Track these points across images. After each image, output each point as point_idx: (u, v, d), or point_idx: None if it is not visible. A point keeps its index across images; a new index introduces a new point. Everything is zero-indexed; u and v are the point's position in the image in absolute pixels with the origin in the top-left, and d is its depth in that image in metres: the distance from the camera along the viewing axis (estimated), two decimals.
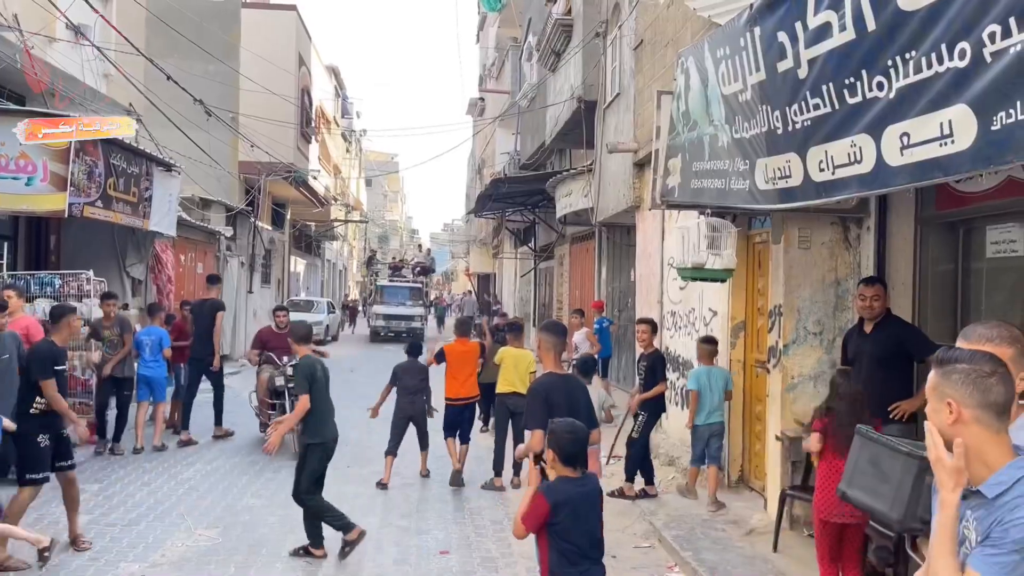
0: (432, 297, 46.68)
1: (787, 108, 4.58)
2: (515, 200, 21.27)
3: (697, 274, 6.55)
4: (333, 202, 34.08)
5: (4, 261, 10.56)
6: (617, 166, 11.80)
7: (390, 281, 33.48)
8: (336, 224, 38.10)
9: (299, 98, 25.59)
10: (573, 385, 4.94)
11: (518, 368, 8.37)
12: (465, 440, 8.84)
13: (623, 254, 13.99)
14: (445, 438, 8.83)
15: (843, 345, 6.08)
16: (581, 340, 12.22)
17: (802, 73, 4.40)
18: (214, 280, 13.00)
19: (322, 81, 31.74)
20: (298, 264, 34.10)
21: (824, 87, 4.21)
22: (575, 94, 14.18)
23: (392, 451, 8.63)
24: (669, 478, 8.45)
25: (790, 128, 4.60)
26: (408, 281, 33.43)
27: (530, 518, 3.81)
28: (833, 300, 6.64)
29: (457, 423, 8.82)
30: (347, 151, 41.89)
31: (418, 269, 37.76)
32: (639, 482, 7.89)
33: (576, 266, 18.75)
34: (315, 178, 28.06)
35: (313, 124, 28.37)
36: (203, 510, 7.48)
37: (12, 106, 10.97)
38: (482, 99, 35.21)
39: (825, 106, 4.24)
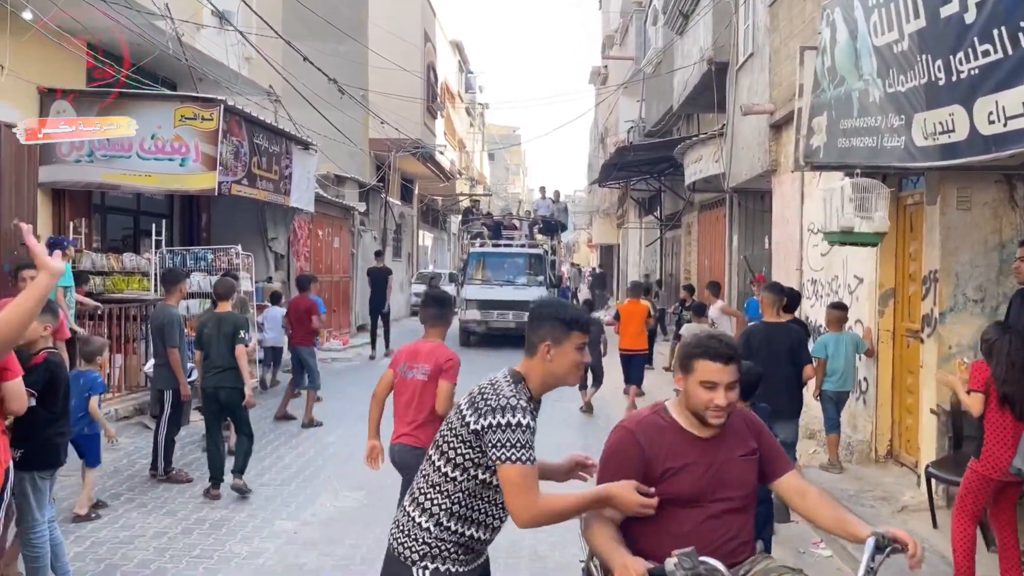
0: (565, 270, 31.49)
1: (951, 57, 4.27)
2: (640, 168, 20.92)
3: (846, 238, 6.22)
4: (458, 176, 34.63)
5: (162, 238, 11.28)
6: (751, 129, 11.36)
7: (493, 245, 20.44)
8: (461, 198, 38.63)
9: (425, 74, 26.01)
10: (778, 332, 6.30)
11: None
12: (634, 381, 10.82)
13: (756, 220, 13.51)
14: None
15: (1007, 310, 5.64)
16: (717, 315, 11.54)
17: (969, 17, 4.08)
18: (380, 254, 19.09)
19: (446, 56, 32.15)
20: (426, 238, 34.93)
21: (995, 31, 3.89)
22: (705, 56, 13.71)
23: (583, 385, 10.70)
24: (810, 451, 8.16)
25: (954, 78, 4.28)
26: (522, 244, 20.65)
27: None
28: (996, 264, 6.18)
29: (627, 369, 10.89)
30: (471, 125, 42.37)
31: (539, 226, 22.38)
32: None
33: (705, 234, 18.27)
34: (441, 153, 28.53)
35: (438, 99, 28.80)
36: (347, 473, 7.81)
37: (166, 91, 11.69)
38: (605, 67, 34.70)
39: (996, 52, 3.91)
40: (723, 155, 12.89)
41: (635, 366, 10.89)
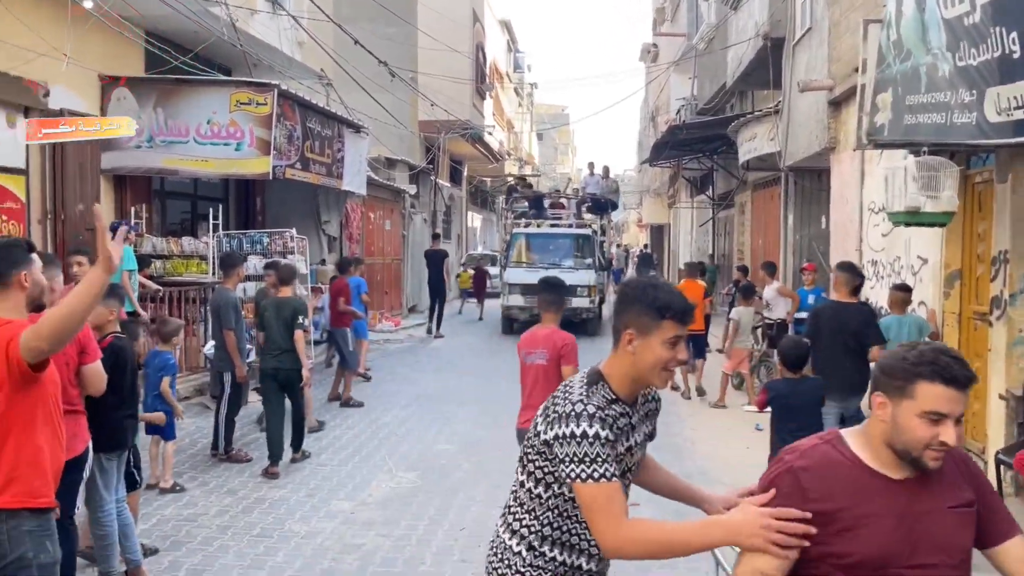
0: (615, 251, 30.98)
1: None
2: (692, 147, 20.60)
3: (911, 219, 6.02)
4: (507, 157, 34.55)
5: (219, 222, 11.48)
6: (808, 106, 11.08)
7: (537, 225, 19.08)
8: (509, 178, 38.51)
9: (474, 54, 25.93)
10: (847, 311, 6.17)
11: None
12: (698, 356, 10.87)
13: (812, 200, 13.21)
14: None
15: None
16: (772, 296, 10.90)
17: None
18: (437, 237, 19.65)
19: (495, 36, 31.99)
20: (475, 219, 34.97)
21: None
22: (760, 31, 13.39)
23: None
24: None
25: None
26: (569, 224, 19.29)
27: (759, 400, 5.83)
28: None
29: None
30: (519, 105, 42.18)
31: (587, 204, 20.74)
32: None
33: (759, 214, 17.95)
34: (490, 134, 28.49)
35: (487, 80, 28.71)
36: (402, 454, 7.90)
37: (221, 76, 11.85)
38: (655, 45, 34.19)
39: None
40: (778, 133, 12.61)
41: (696, 347, 10.73)
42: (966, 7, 4.67)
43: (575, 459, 2.14)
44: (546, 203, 21.05)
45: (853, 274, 6.35)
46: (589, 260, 17.60)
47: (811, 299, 9.77)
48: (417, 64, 21.70)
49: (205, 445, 7.80)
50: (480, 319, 20.44)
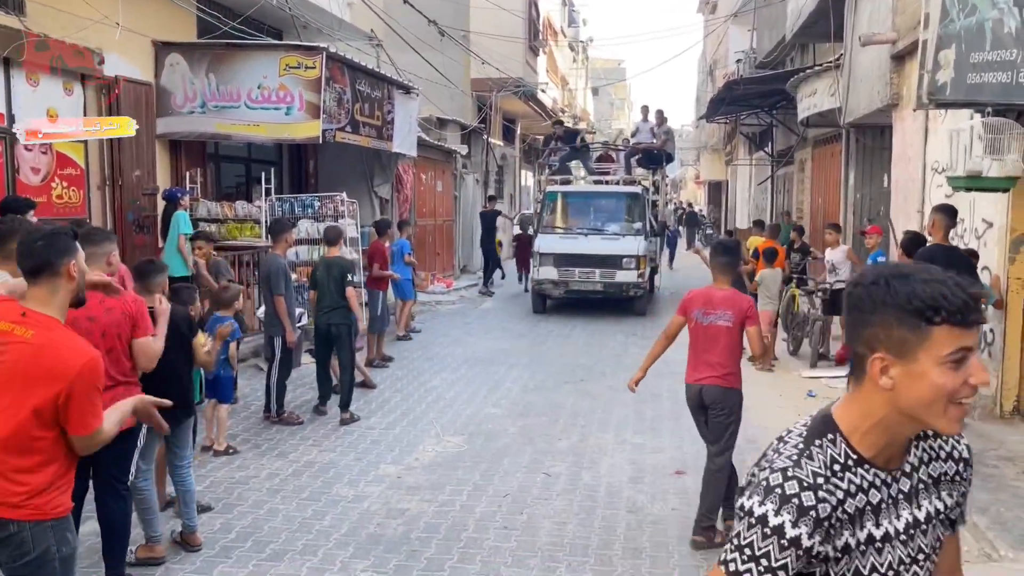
0: (672, 212, 26.74)
1: None
2: (750, 103, 20.00)
3: (973, 183, 5.75)
4: (561, 114, 34.10)
5: (271, 186, 11.61)
6: (870, 60, 10.62)
7: (576, 183, 16.78)
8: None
9: (527, 10, 25.50)
10: (955, 255, 6.15)
11: None
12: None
13: (874, 158, 12.74)
14: None
15: None
16: (840, 260, 10.33)
17: None
18: (492, 199, 19.64)
19: None
20: (528, 179, 34.73)
21: None
22: None
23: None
24: None
25: None
26: (616, 181, 16.72)
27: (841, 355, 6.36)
28: None
29: None
30: (573, 61, 41.49)
31: (638, 156, 17.57)
32: None
33: (819, 172, 17.41)
34: (543, 91, 28.11)
35: (540, 36, 28.26)
36: (450, 417, 7.98)
37: (271, 40, 11.90)
38: None
39: None
40: (839, 88, 12.14)
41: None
42: None
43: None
44: (592, 154, 18.81)
45: (952, 217, 6.30)
46: (638, 224, 14.74)
47: (869, 264, 9.36)
48: (469, 22, 21.46)
49: (259, 407, 7.99)
50: (525, 291, 16.72)
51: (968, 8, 5.34)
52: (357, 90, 12.05)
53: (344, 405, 7.81)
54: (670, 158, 18.30)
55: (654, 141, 17.33)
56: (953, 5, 5.59)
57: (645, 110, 18.58)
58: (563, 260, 14.06)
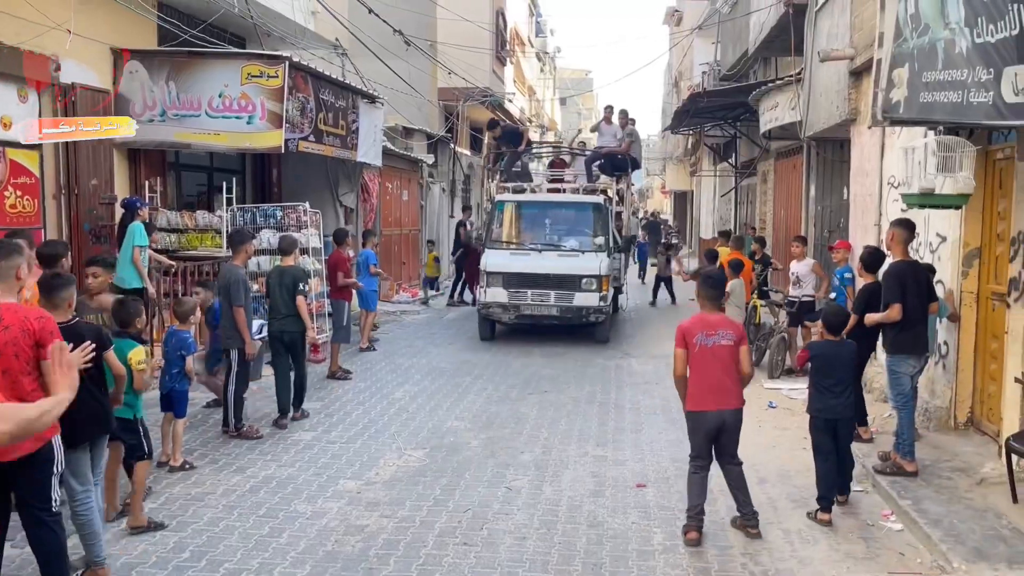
0: (638, 223, 24.19)
1: None
2: (714, 114, 20.25)
3: (926, 200, 5.86)
4: (528, 124, 34.16)
5: (233, 195, 11.47)
6: (829, 76, 10.79)
7: (530, 190, 14.37)
8: (544, 150, 37.99)
9: (494, 20, 25.56)
10: (920, 268, 6.47)
11: None
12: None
13: (834, 171, 12.93)
14: None
15: None
16: (805, 272, 10.37)
17: None
18: (468, 210, 20.03)
19: (516, 0, 31.50)
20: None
21: None
22: None
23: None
24: (885, 415, 7.87)
25: None
26: (574, 189, 14.51)
27: (800, 359, 6.56)
28: None
29: None
30: (541, 71, 41.66)
31: (600, 162, 15.65)
32: None
33: (781, 183, 17.64)
34: (510, 101, 28.18)
35: (508, 46, 28.34)
36: (412, 430, 7.92)
37: (232, 49, 11.77)
38: (677, 10, 33.53)
39: None
40: (800, 102, 12.32)
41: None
42: None
43: None
44: (544, 158, 17.66)
45: (911, 231, 6.52)
46: (601, 239, 12.95)
47: (836, 280, 9.38)
48: (436, 30, 21.45)
49: (217, 421, 7.86)
50: (473, 304, 14.70)
51: (921, 28, 5.44)
52: (321, 99, 11.96)
53: (297, 404, 8.20)
54: (636, 164, 16.06)
55: (619, 144, 15.35)
56: (906, 25, 5.69)
57: (609, 111, 16.27)
58: (514, 280, 12.32)
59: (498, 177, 15.22)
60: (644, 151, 21.50)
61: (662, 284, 18.45)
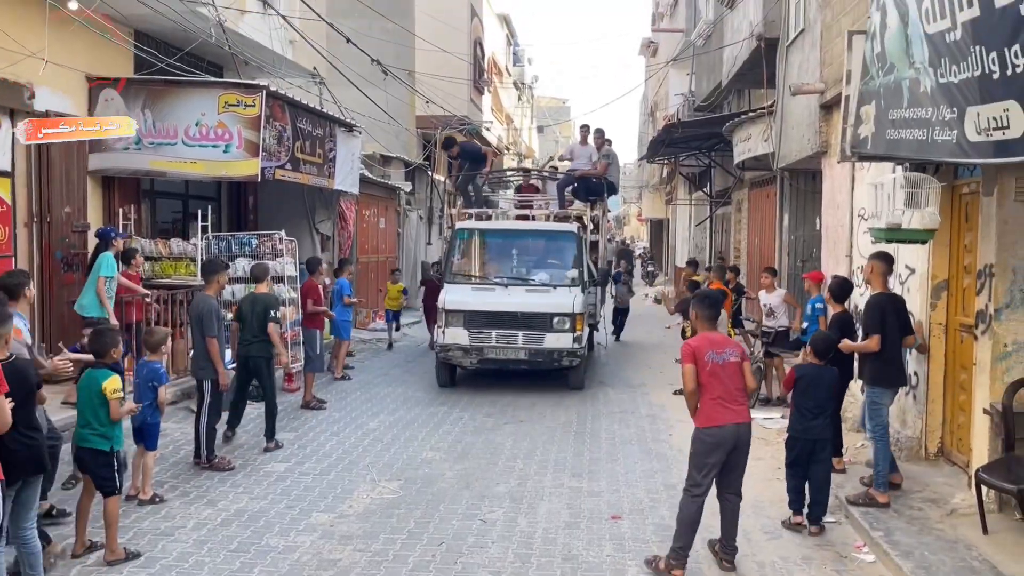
0: (615, 254, 23.12)
1: (1006, 49, 4.02)
2: (689, 144, 20.51)
3: (893, 235, 5.97)
4: (506, 152, 34.40)
5: (208, 223, 11.43)
6: (801, 109, 10.99)
7: (495, 215, 13.27)
8: (509, 174, 38.21)
9: (472, 50, 25.80)
10: (900, 301, 6.65)
11: None
12: None
13: (807, 201, 13.13)
14: None
15: None
16: (777, 303, 10.35)
17: None
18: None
19: (493, 30, 31.84)
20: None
21: None
22: (754, 32, 13.29)
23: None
24: (858, 445, 7.94)
25: (1009, 72, 4.04)
26: (544, 214, 13.14)
27: (787, 381, 6.47)
28: None
29: None
30: (519, 99, 42.01)
31: (573, 186, 14.02)
32: None
33: (755, 212, 17.88)
34: (488, 129, 28.37)
35: (486, 75, 28.58)
36: (386, 461, 7.86)
37: (210, 78, 11.78)
38: (653, 41, 34.04)
39: None
40: (772, 134, 12.52)
41: None
42: (947, 23, 4.60)
43: None
44: (510, 181, 15.57)
45: (890, 264, 6.65)
46: (574, 272, 11.59)
47: (808, 310, 9.42)
48: (414, 59, 21.60)
49: (188, 452, 7.76)
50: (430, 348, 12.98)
51: (887, 67, 5.58)
52: (298, 128, 11.99)
53: (269, 435, 8.18)
54: (612, 188, 14.45)
55: (594, 166, 13.77)
56: (873, 63, 5.83)
57: (585, 130, 14.66)
58: (476, 319, 10.90)
59: (459, 202, 13.74)
60: (621, 178, 20.03)
61: (619, 317, 16.80)
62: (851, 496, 6.41)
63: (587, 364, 12.05)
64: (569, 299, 11.06)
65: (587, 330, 11.90)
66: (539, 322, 10.87)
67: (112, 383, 5.41)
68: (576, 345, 10.89)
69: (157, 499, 6.51)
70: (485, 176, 14.77)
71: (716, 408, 5.29)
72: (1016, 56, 3.92)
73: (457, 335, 10.93)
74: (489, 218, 12.89)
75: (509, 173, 17.18)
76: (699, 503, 5.30)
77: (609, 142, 14.40)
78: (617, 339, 16.61)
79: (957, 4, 4.40)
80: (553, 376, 11.58)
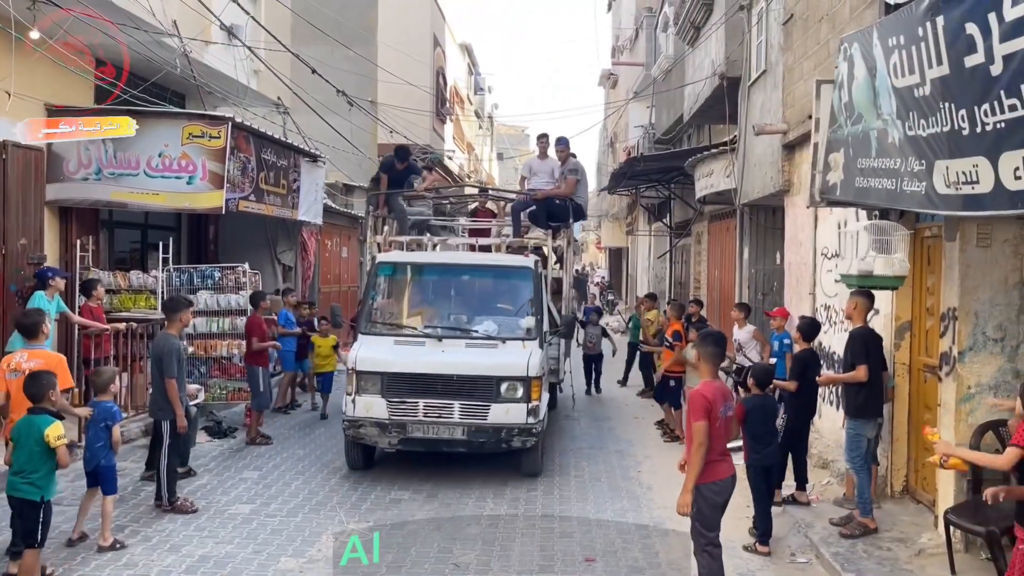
0: (588, 292, 20.44)
1: (975, 108, 4.15)
2: (650, 176, 20.76)
3: (864, 282, 6.10)
4: (467, 180, 34.48)
5: (169, 255, 11.21)
6: (764, 147, 11.22)
7: (433, 243, 10.63)
8: (471, 201, 38.26)
9: (434, 79, 25.90)
10: (875, 336, 6.84)
11: None
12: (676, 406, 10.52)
13: (768, 236, 13.36)
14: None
15: None
16: (747, 339, 10.40)
17: (996, 70, 3.96)
18: None
19: (455, 59, 32.05)
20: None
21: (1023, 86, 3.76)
22: (717, 71, 13.58)
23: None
24: (823, 482, 8.03)
25: (979, 129, 4.16)
26: (495, 243, 10.68)
27: (738, 411, 6.22)
28: (1017, 303, 6.04)
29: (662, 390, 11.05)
30: (480, 127, 42.24)
31: (531, 209, 10.63)
32: (788, 486, 7.54)
33: (715, 245, 18.12)
34: (450, 158, 28.44)
35: (448, 104, 28.70)
36: (354, 501, 7.73)
37: (174, 109, 11.62)
38: (613, 73, 34.54)
39: None
40: (735, 171, 12.75)
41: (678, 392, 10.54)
42: (916, 79, 4.74)
43: None
44: (456, 205, 13.17)
45: (872, 300, 6.84)
46: (530, 320, 8.86)
47: (775, 346, 9.51)
48: (377, 87, 21.61)
49: (150, 493, 7.54)
50: (323, 417, 11.52)
51: (855, 117, 5.72)
52: (262, 159, 11.87)
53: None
54: (580, 212, 11.14)
55: (557, 185, 10.85)
56: (841, 112, 5.98)
57: (543, 142, 11.74)
58: (398, 385, 8.26)
59: (385, 228, 10.67)
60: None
61: (592, 365, 14.27)
62: (844, 530, 6.59)
63: (544, 438, 8.95)
64: (523, 357, 8.35)
65: (546, 397, 9.02)
66: (482, 389, 8.21)
67: (55, 430, 5.25)
68: (531, 419, 8.19)
69: (118, 545, 6.30)
70: (430, 192, 12.24)
71: (719, 462, 5.20)
72: (985, 115, 4.04)
73: (371, 405, 8.21)
74: (421, 247, 10.40)
75: (450, 190, 14.59)
76: (719, 556, 5.22)
77: (574, 155, 11.24)
78: (598, 391, 14.20)
79: (927, 61, 4.54)
80: (500, 459, 8.82)
